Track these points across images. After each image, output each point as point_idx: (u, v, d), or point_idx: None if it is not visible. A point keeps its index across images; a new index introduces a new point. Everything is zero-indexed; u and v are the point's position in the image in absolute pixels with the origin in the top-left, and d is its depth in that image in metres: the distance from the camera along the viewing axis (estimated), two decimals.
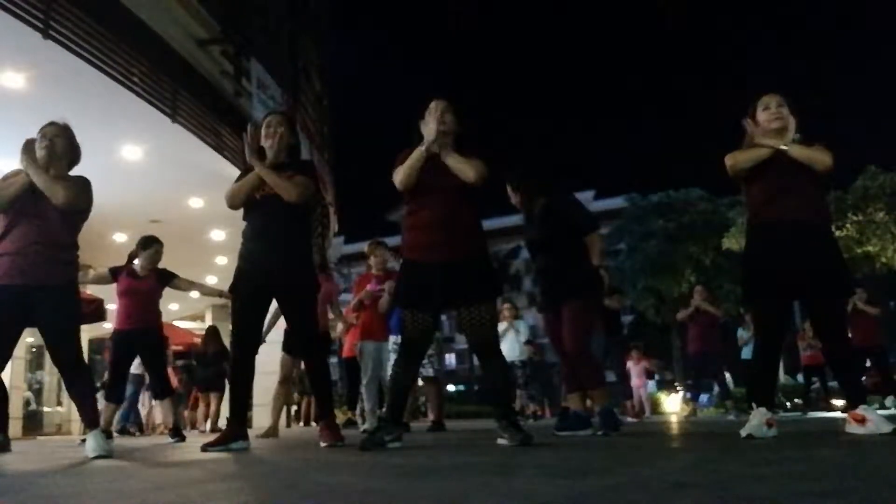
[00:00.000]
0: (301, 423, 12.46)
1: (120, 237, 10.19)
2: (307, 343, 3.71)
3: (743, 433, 3.03)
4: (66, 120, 3.44)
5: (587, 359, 4.16)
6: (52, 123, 3.39)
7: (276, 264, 3.47)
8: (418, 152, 3.16)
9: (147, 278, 5.58)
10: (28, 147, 3.30)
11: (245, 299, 3.54)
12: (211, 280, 13.94)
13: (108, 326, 9.85)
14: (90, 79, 6.25)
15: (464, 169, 3.14)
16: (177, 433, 5.63)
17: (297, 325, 3.68)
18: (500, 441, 3.04)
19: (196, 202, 9.51)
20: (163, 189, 9.01)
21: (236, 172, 9.37)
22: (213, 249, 11.59)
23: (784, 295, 3.22)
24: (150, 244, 5.67)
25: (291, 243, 3.55)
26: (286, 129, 3.67)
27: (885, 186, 15.38)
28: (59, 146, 3.32)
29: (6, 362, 3.28)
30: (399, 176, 3.19)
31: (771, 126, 3.27)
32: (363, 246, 6.72)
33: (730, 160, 3.30)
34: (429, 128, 3.18)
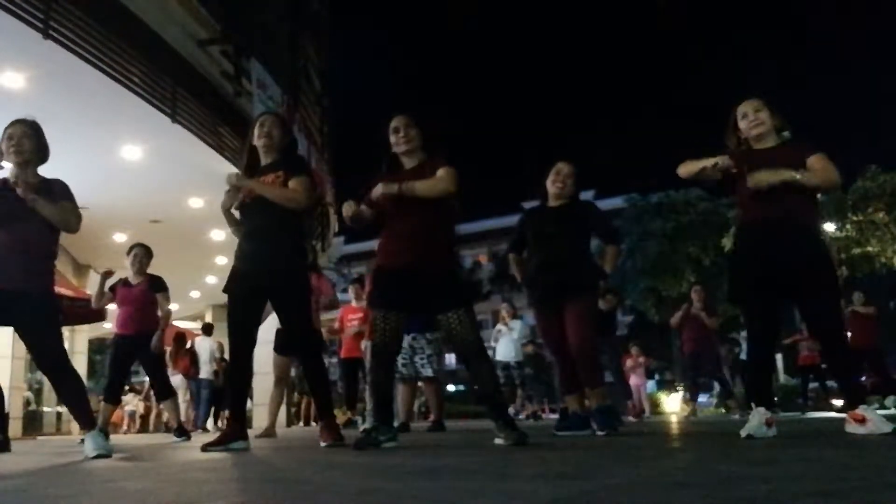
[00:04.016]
0: (301, 423, 12.45)
1: (120, 237, 10.20)
2: (302, 343, 3.70)
3: (743, 433, 3.03)
4: (32, 116, 3.38)
5: (594, 357, 4.16)
6: (17, 122, 3.32)
7: (268, 264, 3.47)
8: (349, 209, 3.27)
9: (139, 285, 5.68)
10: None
11: (238, 299, 3.54)
12: (211, 280, 13.96)
13: (107, 326, 9.86)
14: (90, 79, 6.25)
15: (435, 189, 3.17)
16: (181, 432, 5.73)
17: (290, 325, 3.68)
18: (497, 441, 3.08)
19: (196, 202, 9.52)
20: (163, 189, 9.02)
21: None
22: (213, 249, 11.59)
23: (768, 294, 3.19)
24: (130, 250, 5.81)
25: (282, 243, 3.54)
26: (279, 130, 3.65)
27: (885, 186, 15.37)
28: (26, 146, 3.25)
29: None
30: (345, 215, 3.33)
31: (752, 133, 3.26)
32: (363, 246, 6.73)
33: (680, 169, 3.36)
34: (379, 189, 3.20)
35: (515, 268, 4.51)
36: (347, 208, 3.30)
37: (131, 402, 13.97)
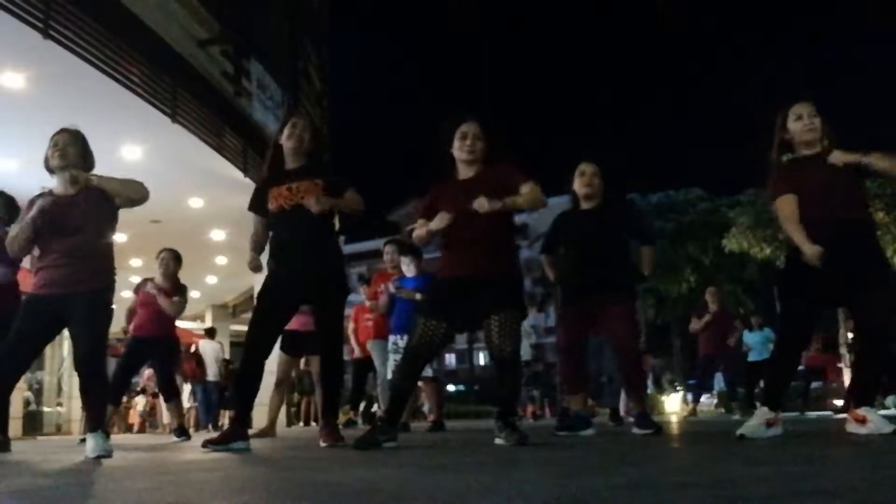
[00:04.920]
0: (301, 423, 12.47)
1: (120, 237, 10.17)
2: (331, 343, 3.70)
3: (738, 433, 3.03)
4: (77, 126, 3.41)
5: (640, 361, 4.17)
6: (62, 131, 3.36)
7: (314, 270, 3.46)
8: (423, 232, 3.20)
9: (164, 289, 5.68)
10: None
11: (271, 307, 3.52)
12: (211, 280, 13.96)
13: None
14: (90, 79, 6.24)
15: (536, 204, 3.16)
16: (182, 432, 5.75)
17: (327, 326, 3.66)
18: (497, 441, 3.08)
19: (196, 202, 9.51)
20: (163, 189, 8.95)
21: (236, 173, 9.38)
22: (213, 249, 11.59)
23: (819, 301, 3.15)
24: (158, 254, 5.85)
25: (326, 248, 3.56)
26: (309, 134, 3.63)
27: (885, 186, 15.37)
28: (71, 154, 3.29)
29: (27, 368, 3.37)
30: (415, 239, 3.27)
31: (805, 137, 3.20)
32: (363, 246, 6.76)
33: (790, 233, 3.15)
34: (439, 219, 3.11)
35: (549, 269, 4.47)
36: (420, 234, 3.25)
37: (141, 404, 14.14)
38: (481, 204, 3.00)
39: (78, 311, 3.19)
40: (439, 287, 3.28)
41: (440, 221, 3.11)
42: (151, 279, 5.76)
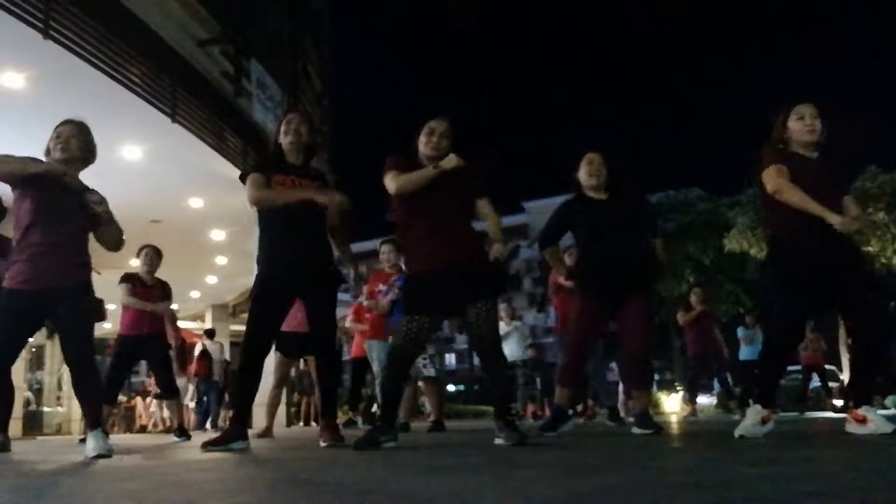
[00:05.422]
0: (301, 423, 12.48)
1: None
2: (326, 340, 3.70)
3: (736, 433, 3.03)
4: (81, 118, 3.41)
5: (649, 360, 4.17)
6: (67, 122, 3.35)
7: (309, 265, 3.47)
8: (430, 171, 3.11)
9: (153, 288, 5.71)
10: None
11: (270, 304, 3.52)
12: (211, 280, 13.94)
13: (107, 326, 9.88)
14: (90, 79, 6.25)
15: (499, 224, 3.29)
16: (182, 432, 5.74)
17: (321, 323, 3.66)
18: (497, 441, 3.08)
19: (196, 202, 9.51)
20: (163, 189, 9.02)
21: (236, 173, 9.36)
22: (213, 249, 11.59)
23: (811, 294, 3.16)
24: (140, 250, 5.82)
25: (321, 244, 3.59)
26: (306, 128, 3.67)
27: (884, 186, 15.35)
28: (74, 146, 3.28)
29: (13, 362, 3.36)
30: (399, 183, 3.14)
31: (804, 138, 3.19)
32: (363, 246, 6.73)
33: (792, 197, 3.09)
34: (452, 159, 3.12)
35: (554, 261, 4.39)
36: (427, 173, 3.14)
37: (154, 404, 14.25)
38: (502, 253, 3.20)
39: (66, 305, 3.16)
40: (417, 282, 3.25)
41: (454, 161, 3.10)
42: (136, 275, 5.74)
